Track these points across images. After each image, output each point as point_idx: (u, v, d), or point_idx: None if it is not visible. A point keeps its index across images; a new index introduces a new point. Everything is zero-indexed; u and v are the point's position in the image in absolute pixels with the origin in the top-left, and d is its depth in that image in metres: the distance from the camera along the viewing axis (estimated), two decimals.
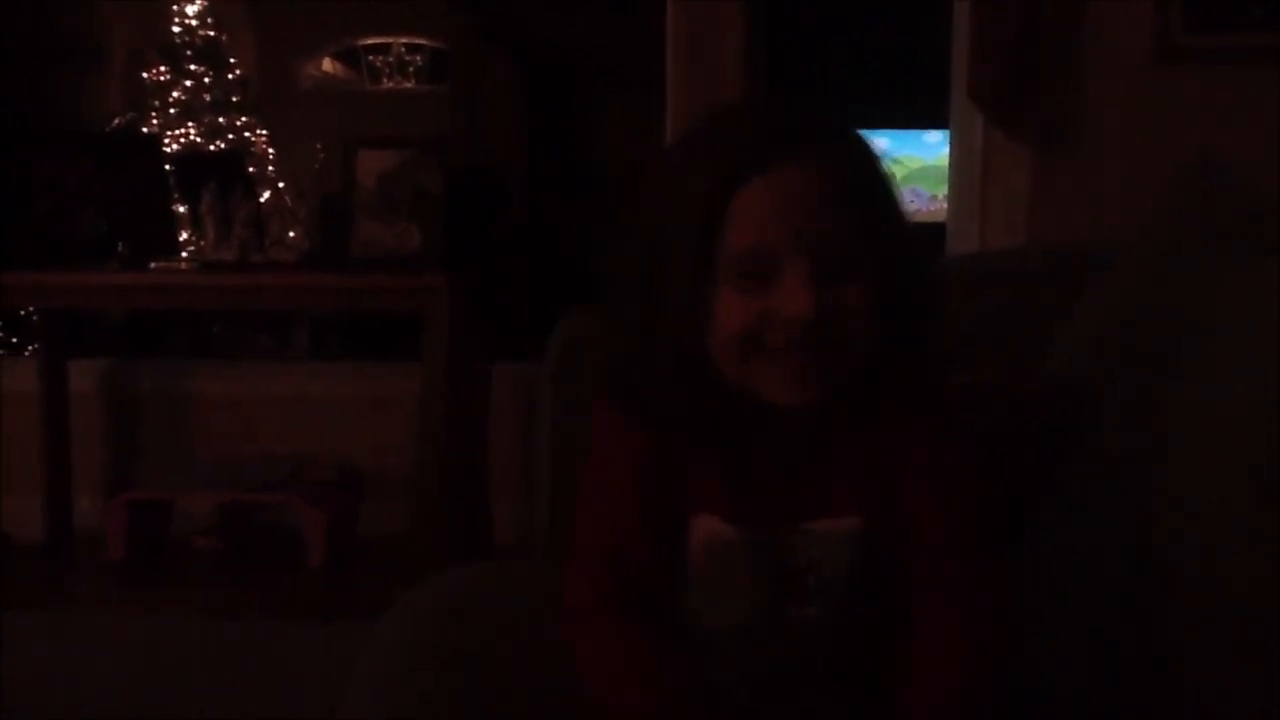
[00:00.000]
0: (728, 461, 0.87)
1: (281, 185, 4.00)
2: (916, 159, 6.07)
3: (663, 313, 0.83)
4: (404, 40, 5.43)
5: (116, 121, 4.19)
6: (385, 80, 5.46)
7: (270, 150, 4.24)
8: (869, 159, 0.85)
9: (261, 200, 3.11)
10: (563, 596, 0.91)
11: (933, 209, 6.00)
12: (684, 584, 0.89)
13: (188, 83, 4.07)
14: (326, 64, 5.59)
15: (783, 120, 0.82)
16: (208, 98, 4.10)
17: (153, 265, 2.62)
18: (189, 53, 4.06)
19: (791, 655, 0.86)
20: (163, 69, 4.05)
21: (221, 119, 4.12)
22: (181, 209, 2.92)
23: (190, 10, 4.06)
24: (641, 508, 0.88)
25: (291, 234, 2.74)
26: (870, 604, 0.86)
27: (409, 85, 5.42)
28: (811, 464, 0.87)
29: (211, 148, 4.01)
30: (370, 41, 5.48)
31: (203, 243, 2.68)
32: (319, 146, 2.91)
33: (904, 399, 0.87)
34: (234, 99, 4.16)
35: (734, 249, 0.80)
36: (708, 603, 0.88)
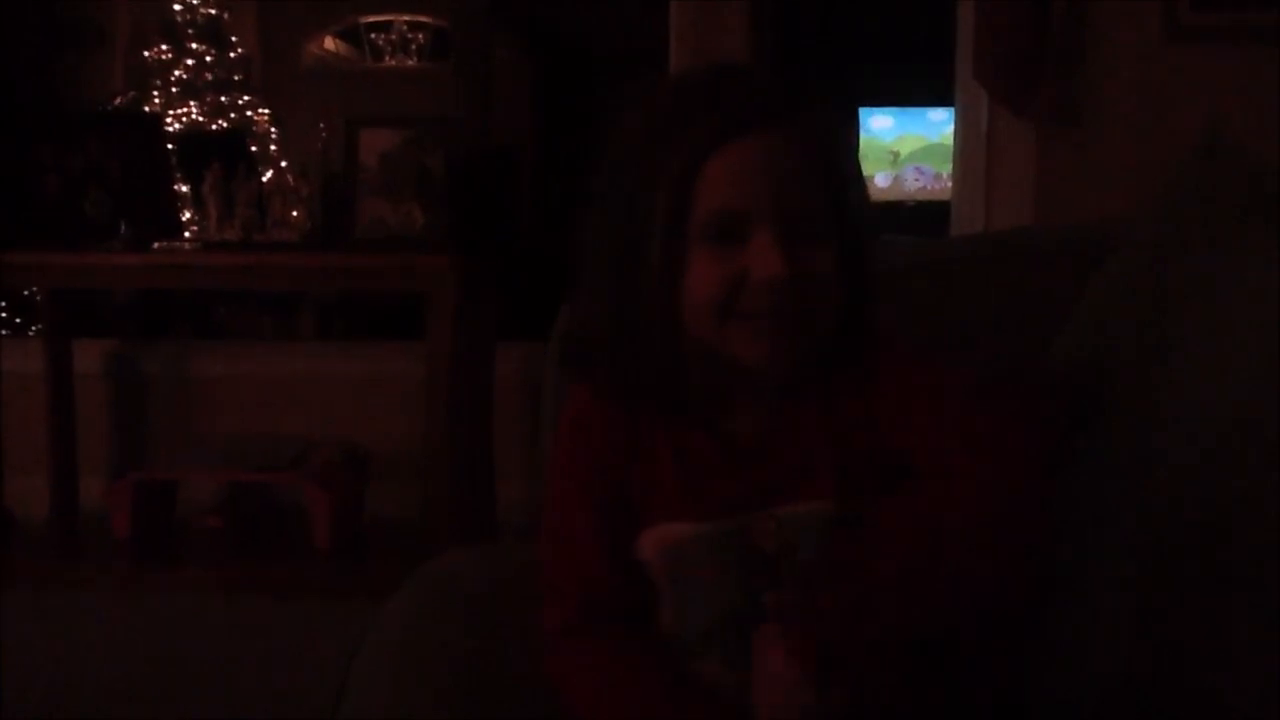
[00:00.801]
0: (689, 451, 0.88)
1: (284, 165, 3.98)
2: (921, 138, 6.05)
3: (639, 280, 0.84)
4: (406, 18, 5.41)
5: (118, 101, 4.18)
6: (388, 58, 5.44)
7: (272, 130, 4.23)
8: (838, 133, 0.87)
9: (264, 180, 3.10)
10: (540, 624, 0.91)
11: (938, 188, 5.99)
12: (653, 596, 0.89)
13: (189, 62, 4.05)
14: (328, 42, 5.57)
15: (754, 89, 0.83)
16: (209, 77, 4.08)
17: (156, 246, 2.62)
18: (190, 31, 4.04)
19: None
20: (164, 48, 4.04)
21: (223, 98, 4.10)
22: (184, 189, 2.91)
23: None
24: (599, 529, 0.88)
25: (294, 214, 2.73)
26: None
27: (411, 63, 5.40)
28: (780, 445, 0.87)
29: (214, 127, 4.00)
30: (372, 19, 5.46)
31: (206, 223, 2.68)
32: (321, 126, 2.90)
33: (881, 366, 0.88)
34: (236, 78, 4.15)
35: (704, 213, 0.81)
36: (680, 606, 0.87)
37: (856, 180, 0.88)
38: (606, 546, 0.88)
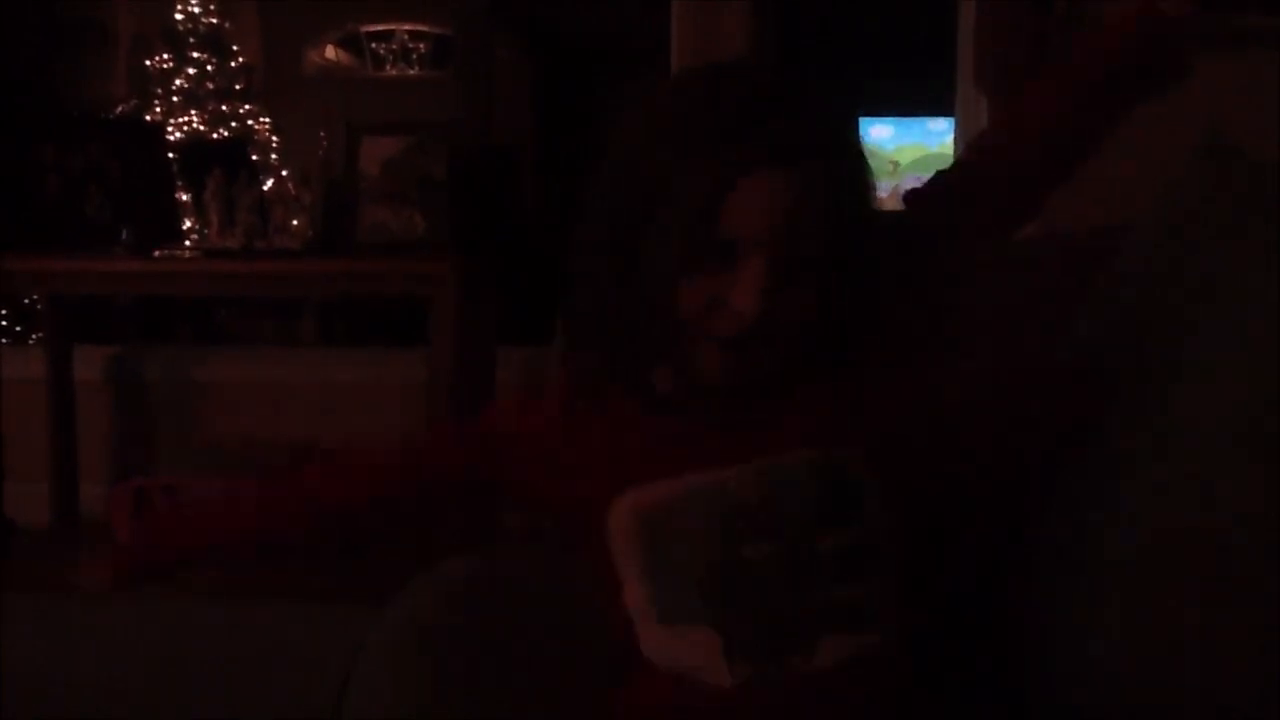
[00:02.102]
0: (670, 422, 0.88)
1: (285, 173, 3.99)
2: (921, 147, 6.05)
3: (639, 286, 0.84)
4: (407, 27, 5.42)
5: (120, 109, 4.19)
6: (389, 67, 5.45)
7: (274, 138, 4.24)
8: (855, 155, 0.87)
9: (265, 188, 3.11)
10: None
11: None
12: (624, 578, 0.88)
13: (190, 71, 4.06)
14: (329, 51, 5.58)
15: (783, 121, 0.81)
16: (211, 86, 4.09)
17: (157, 253, 2.62)
18: (192, 40, 4.06)
19: (763, 597, 0.84)
20: (165, 57, 4.05)
21: (225, 107, 4.11)
22: (185, 197, 2.92)
23: None
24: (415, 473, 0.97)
25: (295, 221, 2.73)
26: (837, 532, 0.85)
27: (412, 72, 5.41)
28: (759, 412, 0.87)
29: (215, 135, 4.01)
30: (374, 28, 5.47)
31: (207, 230, 2.68)
32: (322, 134, 2.90)
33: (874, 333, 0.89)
34: (237, 86, 4.16)
35: (709, 236, 0.81)
36: (658, 573, 0.86)
37: (863, 203, 0.88)
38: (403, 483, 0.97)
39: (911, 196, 0.96)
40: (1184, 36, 0.91)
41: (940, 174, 0.96)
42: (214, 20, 4.08)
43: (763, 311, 0.80)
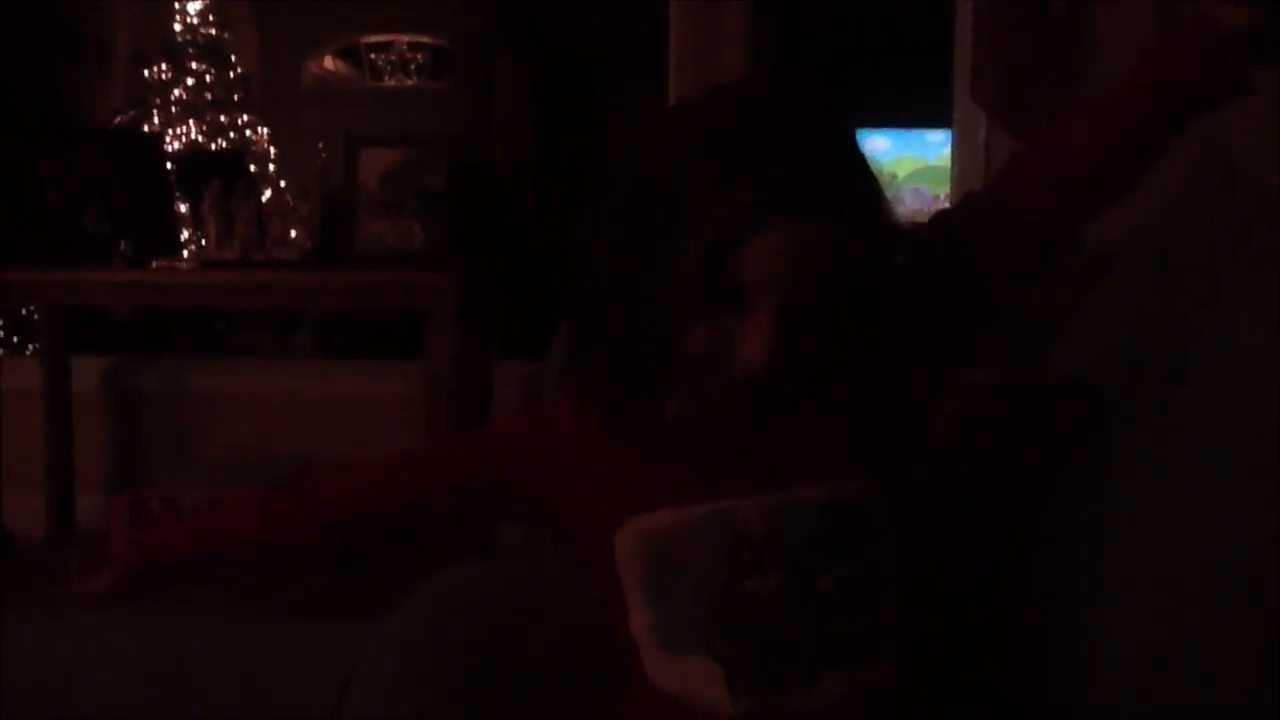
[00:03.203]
0: (677, 449, 0.87)
1: (283, 184, 4.00)
2: (919, 159, 6.07)
3: (642, 327, 0.83)
4: (406, 39, 5.44)
5: (118, 120, 4.20)
6: (387, 78, 5.47)
7: (272, 149, 4.25)
8: (870, 196, 0.84)
9: (263, 199, 3.11)
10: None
11: (934, 210, 5.99)
12: (629, 603, 0.88)
13: (189, 81, 4.07)
14: (328, 62, 5.59)
15: (798, 171, 0.79)
16: (209, 96, 4.10)
17: (155, 264, 2.62)
18: (191, 51, 4.07)
19: (766, 630, 0.84)
20: (164, 68, 4.06)
21: (223, 118, 4.12)
22: (183, 208, 2.92)
23: (192, 9, 4.06)
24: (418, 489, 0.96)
25: (293, 233, 2.74)
26: (841, 567, 0.84)
27: (411, 83, 5.43)
28: (767, 441, 0.87)
29: (213, 147, 4.02)
30: (372, 40, 5.49)
31: (205, 241, 2.68)
32: (320, 146, 2.91)
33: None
34: (235, 97, 4.17)
35: (719, 281, 0.80)
36: (659, 600, 0.87)
37: (879, 245, 0.85)
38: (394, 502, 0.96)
39: (939, 218, 0.93)
40: (1245, 51, 0.85)
41: (969, 197, 0.93)
42: (213, 31, 4.09)
43: (771, 358, 0.79)
